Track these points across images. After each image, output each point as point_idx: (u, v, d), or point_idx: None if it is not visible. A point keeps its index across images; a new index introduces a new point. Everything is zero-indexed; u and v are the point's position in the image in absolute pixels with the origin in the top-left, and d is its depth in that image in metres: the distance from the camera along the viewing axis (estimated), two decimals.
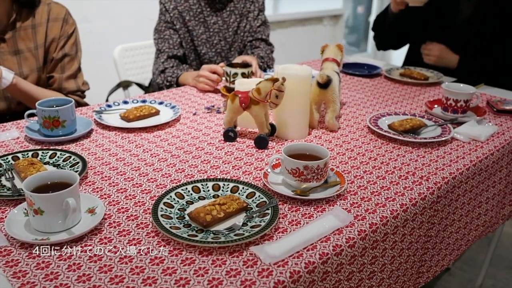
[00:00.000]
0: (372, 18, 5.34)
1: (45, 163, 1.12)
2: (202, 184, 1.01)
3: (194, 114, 1.50)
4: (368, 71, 2.02)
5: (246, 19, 2.02)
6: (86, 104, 1.68)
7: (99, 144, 1.25)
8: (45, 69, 1.63)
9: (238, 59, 1.79)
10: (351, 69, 2.04)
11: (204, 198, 0.98)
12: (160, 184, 1.04)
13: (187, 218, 0.90)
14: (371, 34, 2.58)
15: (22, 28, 1.55)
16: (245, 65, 1.64)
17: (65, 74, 1.64)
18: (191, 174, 1.10)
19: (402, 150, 1.26)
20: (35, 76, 1.60)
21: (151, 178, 1.07)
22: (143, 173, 1.09)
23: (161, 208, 0.91)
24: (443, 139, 1.30)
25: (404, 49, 2.37)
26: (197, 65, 2.03)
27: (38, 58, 1.60)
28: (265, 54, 2.02)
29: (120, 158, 1.17)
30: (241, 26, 2.02)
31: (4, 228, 0.85)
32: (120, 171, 1.10)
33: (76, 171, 1.06)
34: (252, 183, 1.04)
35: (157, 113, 1.45)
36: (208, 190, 1.00)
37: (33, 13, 1.57)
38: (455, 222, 1.20)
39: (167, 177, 1.08)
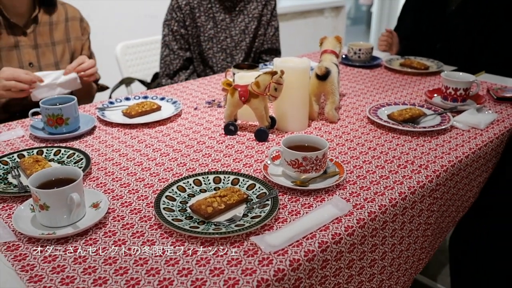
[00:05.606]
0: (374, 9, 5.31)
1: (50, 160, 1.14)
2: (203, 177, 1.03)
3: (195, 108, 1.51)
4: (368, 62, 2.02)
5: (259, 22, 2.07)
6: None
7: (102, 140, 1.27)
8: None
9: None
10: (351, 60, 2.05)
11: (205, 191, 0.99)
12: (162, 178, 1.06)
13: (188, 210, 0.92)
14: (374, 25, 2.59)
15: (42, 24, 1.66)
16: (251, 66, 1.65)
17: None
18: (193, 167, 1.12)
19: (401, 140, 1.27)
20: (51, 69, 1.69)
21: (154, 173, 1.09)
22: (145, 167, 1.11)
23: (164, 201, 0.93)
24: (442, 127, 1.31)
25: None
26: (197, 62, 2.07)
27: (55, 54, 1.70)
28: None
29: (123, 153, 1.19)
30: (249, 27, 2.05)
31: (11, 224, 0.88)
32: (123, 166, 1.12)
33: (80, 167, 1.08)
34: (253, 175, 1.05)
35: (158, 108, 1.47)
36: (209, 183, 1.02)
37: (51, 11, 1.69)
38: (450, 207, 1.21)
39: (169, 171, 1.10)
